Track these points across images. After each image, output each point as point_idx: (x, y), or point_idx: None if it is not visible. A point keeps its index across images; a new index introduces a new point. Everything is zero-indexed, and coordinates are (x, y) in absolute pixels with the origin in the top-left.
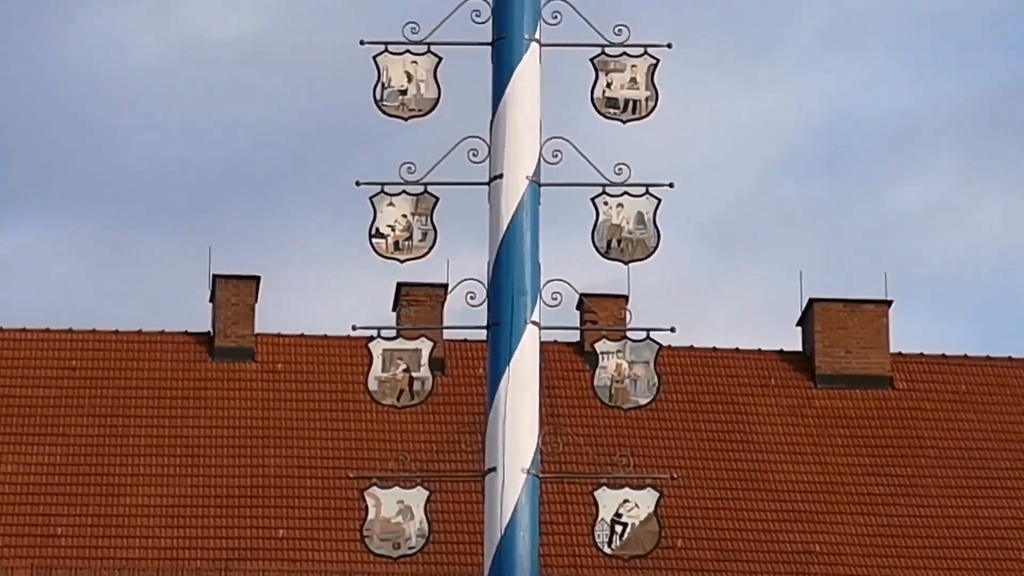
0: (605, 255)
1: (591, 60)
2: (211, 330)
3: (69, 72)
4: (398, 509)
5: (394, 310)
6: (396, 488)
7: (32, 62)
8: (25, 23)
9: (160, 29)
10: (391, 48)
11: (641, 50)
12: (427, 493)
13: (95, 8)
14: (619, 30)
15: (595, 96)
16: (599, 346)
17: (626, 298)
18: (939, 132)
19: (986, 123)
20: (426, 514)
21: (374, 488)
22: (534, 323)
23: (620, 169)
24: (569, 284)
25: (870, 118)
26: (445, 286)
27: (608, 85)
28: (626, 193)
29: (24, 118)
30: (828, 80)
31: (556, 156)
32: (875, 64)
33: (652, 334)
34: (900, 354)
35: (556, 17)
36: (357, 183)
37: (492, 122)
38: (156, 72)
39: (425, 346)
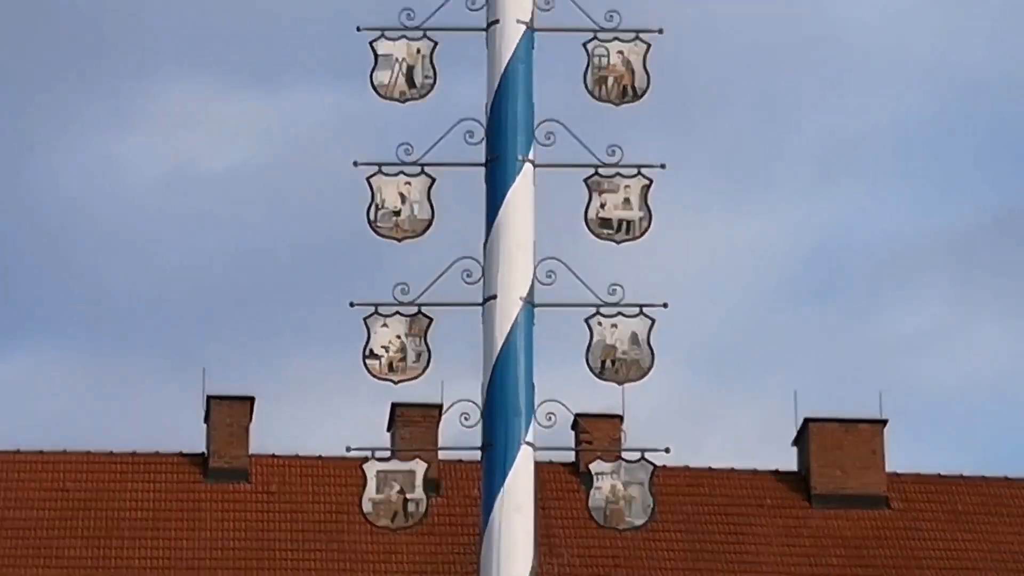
0: (599, 376)
1: (585, 180)
2: (205, 451)
3: (63, 200)
4: None
5: (389, 431)
6: None
7: (27, 189)
8: (20, 151)
9: (155, 158)
10: (384, 169)
11: (635, 170)
12: None
13: (89, 137)
14: (612, 150)
15: (589, 216)
16: (594, 467)
17: (621, 418)
18: (932, 258)
19: (978, 249)
20: None
21: None
22: (528, 444)
23: (614, 289)
24: (563, 405)
25: (864, 244)
26: (440, 407)
27: (602, 205)
28: (620, 314)
29: (20, 246)
30: (822, 206)
31: (550, 276)
32: (868, 191)
33: (647, 455)
34: (896, 474)
35: (549, 138)
36: (351, 304)
37: (486, 243)
38: (151, 199)
39: (419, 467)
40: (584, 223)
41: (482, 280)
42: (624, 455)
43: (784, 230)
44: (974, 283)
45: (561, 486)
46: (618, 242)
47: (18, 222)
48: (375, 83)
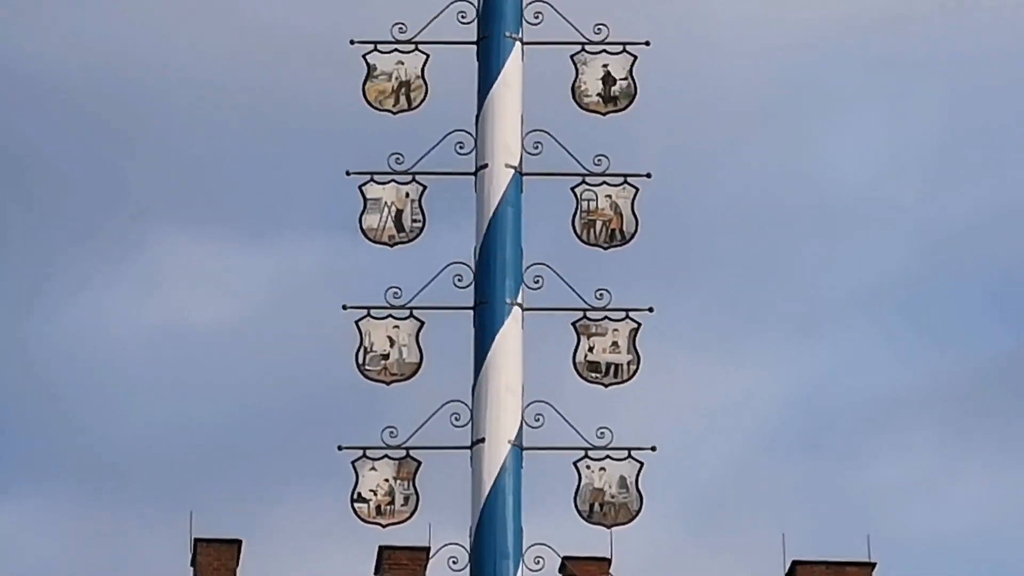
0: (588, 519)
1: (573, 324)
2: None
3: (58, 351)
4: None
5: (376, 574)
6: None
7: (22, 339)
8: (16, 301)
9: (145, 311)
10: (373, 313)
11: (623, 314)
12: None
13: (83, 289)
14: (600, 294)
15: (577, 360)
16: None
17: (609, 562)
18: (919, 407)
19: (964, 399)
20: None
21: None
22: None
23: (602, 433)
24: (551, 548)
25: (851, 393)
26: (427, 550)
27: (590, 349)
28: (608, 457)
29: (14, 395)
30: (810, 354)
31: (538, 420)
32: (856, 341)
33: None
34: None
35: (538, 281)
36: (339, 448)
37: (474, 386)
38: (141, 352)
39: None
40: (572, 366)
41: (471, 423)
42: None
43: (772, 377)
44: (961, 432)
45: None
46: (606, 386)
47: (13, 372)
48: (364, 227)
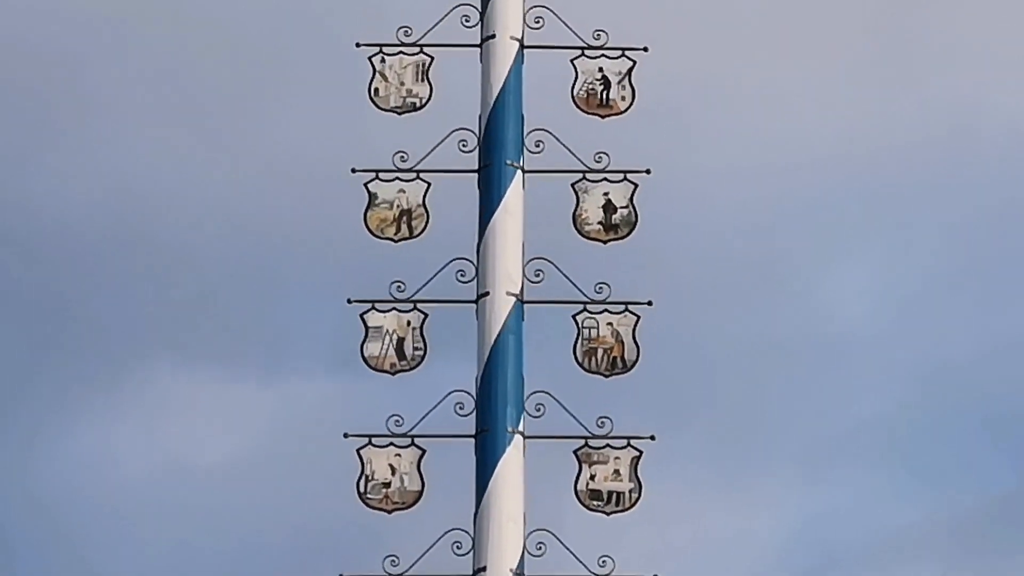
0: None
1: (574, 452)
2: None
3: (62, 485)
4: None
5: None
6: None
7: (28, 472)
8: (23, 435)
9: (147, 448)
10: (375, 441)
11: (624, 442)
12: None
13: (86, 424)
14: (602, 422)
15: (579, 488)
16: None
17: None
18: (921, 545)
19: (966, 536)
20: None
21: None
22: None
23: (604, 561)
24: None
25: (853, 531)
26: None
27: (592, 477)
28: None
29: (19, 526)
30: (812, 490)
31: (540, 548)
32: (858, 478)
33: None
34: None
35: (539, 409)
36: None
37: (476, 514)
38: (143, 489)
39: None
40: (574, 495)
41: (472, 552)
42: None
43: (773, 513)
44: (964, 569)
45: None
46: (608, 514)
47: (16, 507)
48: (365, 355)
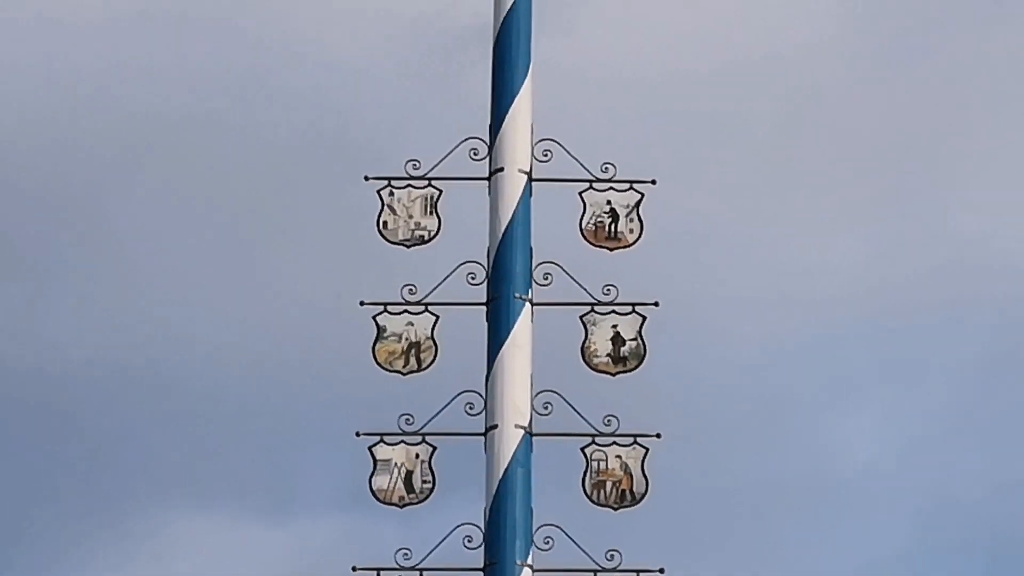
0: None
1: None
2: None
3: None
4: None
5: None
6: None
7: None
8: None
9: None
10: (383, 574)
11: (634, 574)
12: None
13: (95, 566)
14: (611, 555)
15: None
16: None
17: None
18: None
19: None
20: None
21: None
22: None
23: None
24: None
25: None
26: None
27: None
28: None
29: None
30: None
31: None
32: None
33: None
34: None
35: (548, 543)
36: None
37: None
38: None
39: None
40: None
41: None
42: None
43: None
44: None
45: None
46: None
47: None
48: (374, 488)
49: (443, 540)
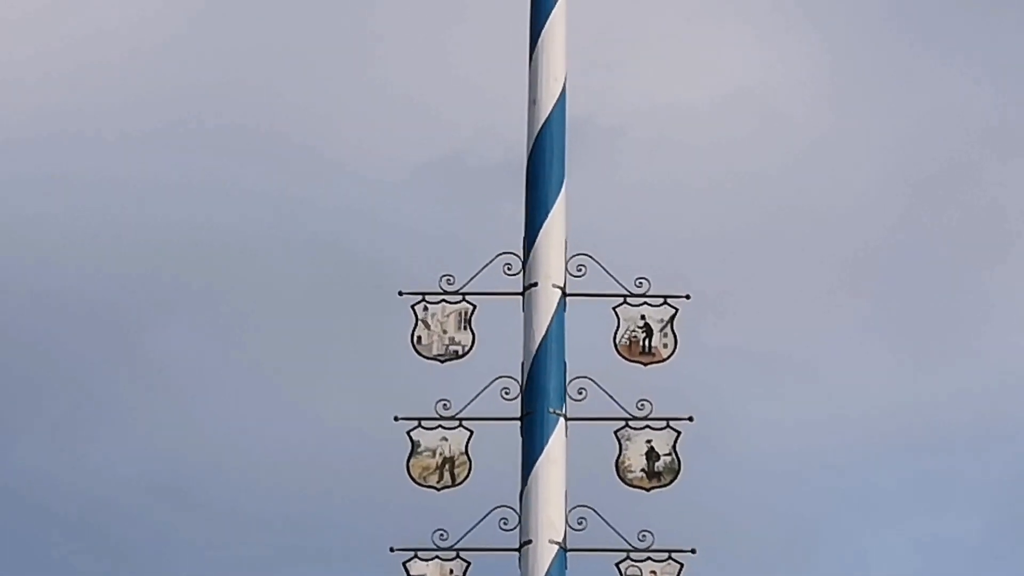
0: None
1: None
2: None
3: None
4: None
5: None
6: None
7: None
8: None
9: None
10: None
11: None
12: None
13: None
14: None
15: None
16: None
17: None
18: None
19: None
20: None
21: None
22: None
23: None
24: None
25: None
26: None
27: None
28: None
29: None
30: None
31: None
32: None
33: None
34: None
35: None
36: None
37: None
38: None
39: None
40: None
41: None
42: None
43: None
44: None
45: None
46: None
47: None
48: None
49: None
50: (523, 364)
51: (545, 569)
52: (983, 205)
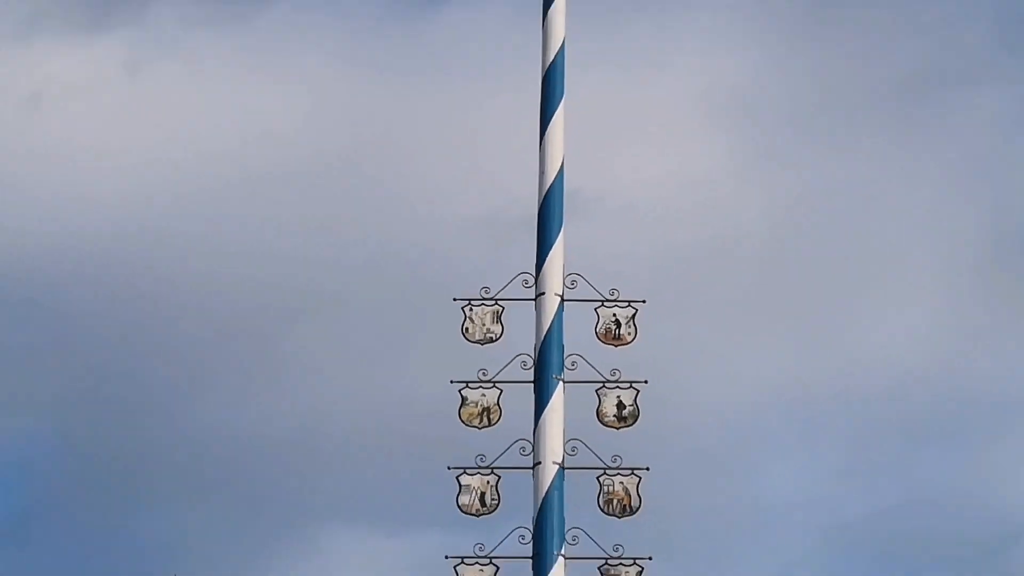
0: None
1: None
2: None
3: None
4: None
5: None
6: None
7: None
8: None
9: None
10: None
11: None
12: None
13: None
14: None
15: None
16: None
17: None
18: None
19: None
20: None
21: None
22: None
23: None
24: None
25: None
26: None
27: None
28: None
29: None
30: None
31: None
32: None
33: None
34: None
35: (576, 539)
36: None
37: None
38: None
39: None
40: None
41: None
42: None
43: None
44: None
45: None
46: None
47: None
48: (459, 503)
49: (503, 540)
50: (535, 346)
51: (550, 481)
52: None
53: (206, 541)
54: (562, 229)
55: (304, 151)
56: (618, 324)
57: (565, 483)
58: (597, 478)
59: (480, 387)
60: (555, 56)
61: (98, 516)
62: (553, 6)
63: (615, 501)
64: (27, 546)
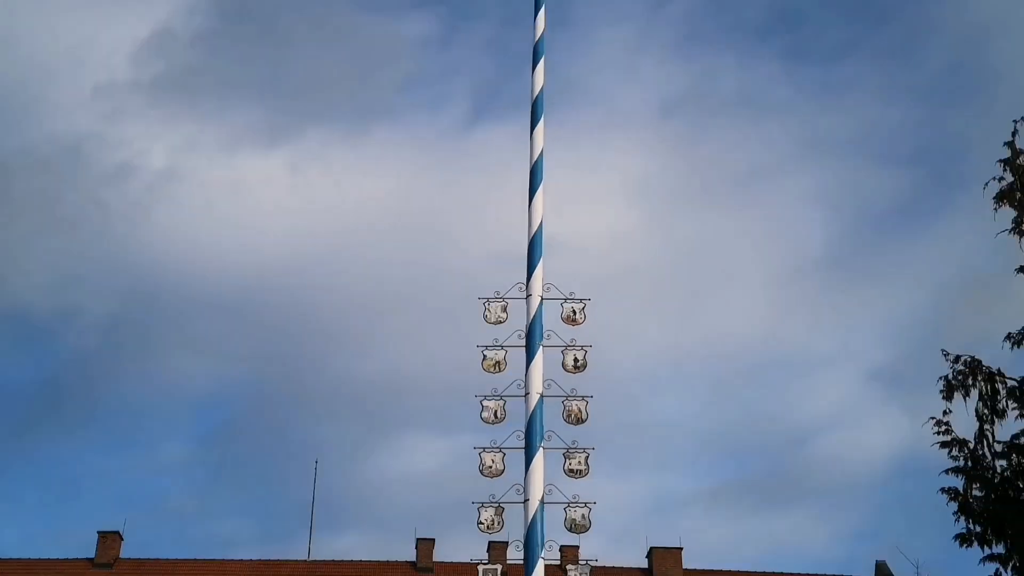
0: None
1: None
2: None
3: None
4: None
5: None
6: None
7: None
8: None
9: None
10: None
11: None
12: None
13: None
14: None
15: None
16: None
17: None
18: None
19: None
20: None
21: None
22: None
23: None
24: None
25: None
26: None
27: None
28: None
29: None
30: None
31: None
32: None
33: None
34: None
35: (550, 437)
36: None
37: None
38: None
39: None
40: None
41: None
42: None
43: None
44: None
45: None
46: None
47: None
48: (483, 418)
49: (507, 438)
50: (526, 325)
51: (534, 404)
52: None
53: (344, 441)
54: (542, 258)
55: (395, 215)
56: (575, 312)
57: (544, 404)
58: (562, 401)
59: (494, 349)
60: (537, 157)
61: (277, 429)
62: (536, 128)
63: (572, 415)
64: (231, 446)
